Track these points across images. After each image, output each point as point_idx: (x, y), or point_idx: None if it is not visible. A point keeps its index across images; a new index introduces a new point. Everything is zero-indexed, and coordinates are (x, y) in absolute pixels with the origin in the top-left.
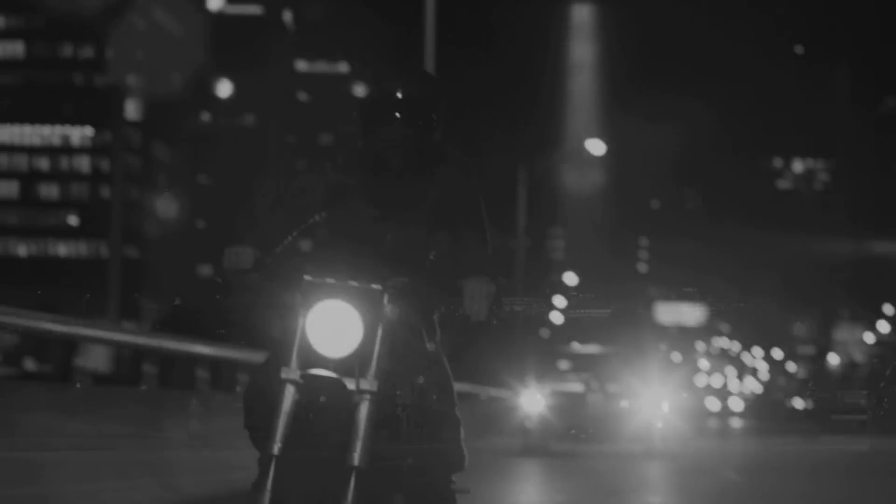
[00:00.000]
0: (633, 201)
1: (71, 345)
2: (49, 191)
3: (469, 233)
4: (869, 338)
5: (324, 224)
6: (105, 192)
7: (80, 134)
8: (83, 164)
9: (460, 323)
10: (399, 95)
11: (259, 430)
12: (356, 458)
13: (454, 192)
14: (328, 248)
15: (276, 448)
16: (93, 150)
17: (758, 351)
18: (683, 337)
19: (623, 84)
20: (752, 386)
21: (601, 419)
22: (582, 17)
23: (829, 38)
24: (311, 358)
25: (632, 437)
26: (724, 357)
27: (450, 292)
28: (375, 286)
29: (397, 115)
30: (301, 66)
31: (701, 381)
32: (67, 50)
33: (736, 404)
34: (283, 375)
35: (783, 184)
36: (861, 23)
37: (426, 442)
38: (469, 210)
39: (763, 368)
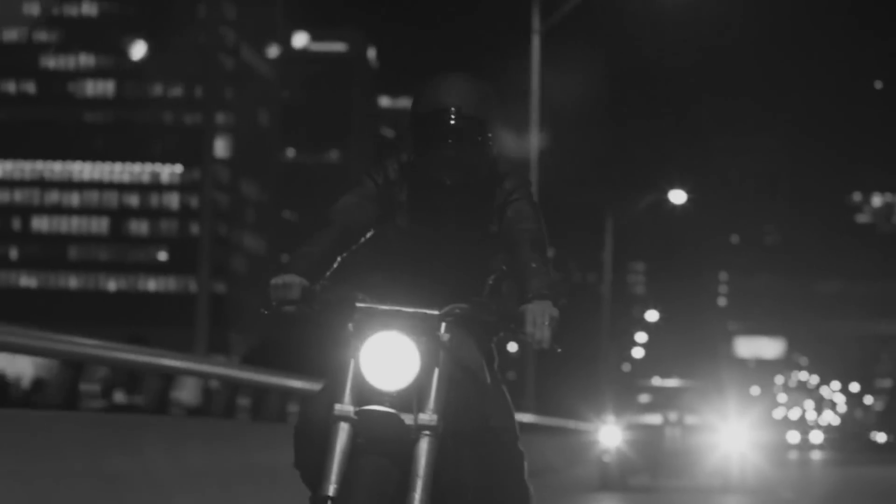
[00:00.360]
0: (713, 236)
1: (167, 378)
2: (139, 227)
3: (529, 254)
4: None
5: (373, 245)
6: (194, 228)
7: (169, 171)
8: (172, 200)
9: (523, 349)
10: (455, 111)
11: (310, 469)
12: (417, 498)
13: (513, 212)
14: (379, 272)
15: (332, 489)
16: (182, 187)
17: (836, 384)
18: (762, 370)
19: (704, 121)
20: (830, 418)
21: (680, 454)
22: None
23: None
24: (365, 392)
25: (710, 472)
26: (803, 390)
27: (511, 318)
28: (432, 312)
29: (453, 132)
30: (384, 101)
31: (779, 414)
32: (157, 89)
33: (816, 437)
34: (337, 412)
35: (862, 218)
36: None
37: (489, 479)
38: (529, 230)
39: (841, 401)
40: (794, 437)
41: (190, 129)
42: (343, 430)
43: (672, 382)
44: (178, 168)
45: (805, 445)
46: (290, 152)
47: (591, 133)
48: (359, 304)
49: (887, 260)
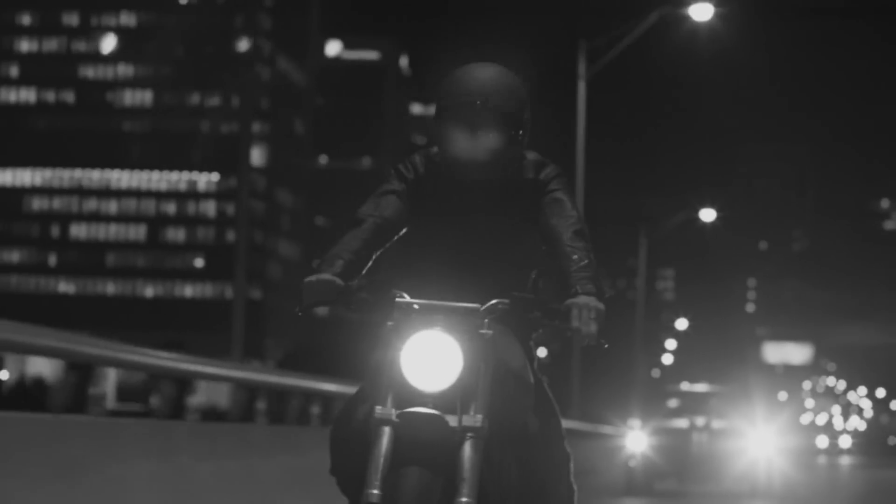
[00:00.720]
0: (741, 243)
1: (183, 383)
2: (176, 234)
3: (571, 246)
4: None
5: (408, 241)
6: (230, 235)
7: (206, 179)
8: (209, 208)
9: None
10: (481, 102)
11: (348, 475)
12: (464, 502)
13: (551, 203)
14: (416, 268)
15: (376, 496)
16: (218, 195)
17: (862, 389)
18: (790, 376)
19: (733, 129)
20: (856, 423)
21: (706, 459)
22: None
23: None
24: (406, 394)
25: (737, 477)
26: (830, 395)
27: (556, 313)
28: (474, 306)
29: (480, 124)
30: (416, 109)
31: (806, 419)
32: (195, 98)
33: (845, 441)
34: (378, 415)
35: (890, 224)
36: None
37: (534, 482)
38: (570, 221)
39: (867, 406)
40: (822, 441)
41: (227, 137)
42: (384, 434)
43: (700, 387)
44: (215, 176)
45: (834, 450)
46: (323, 159)
47: (626, 146)
48: (398, 299)
49: None
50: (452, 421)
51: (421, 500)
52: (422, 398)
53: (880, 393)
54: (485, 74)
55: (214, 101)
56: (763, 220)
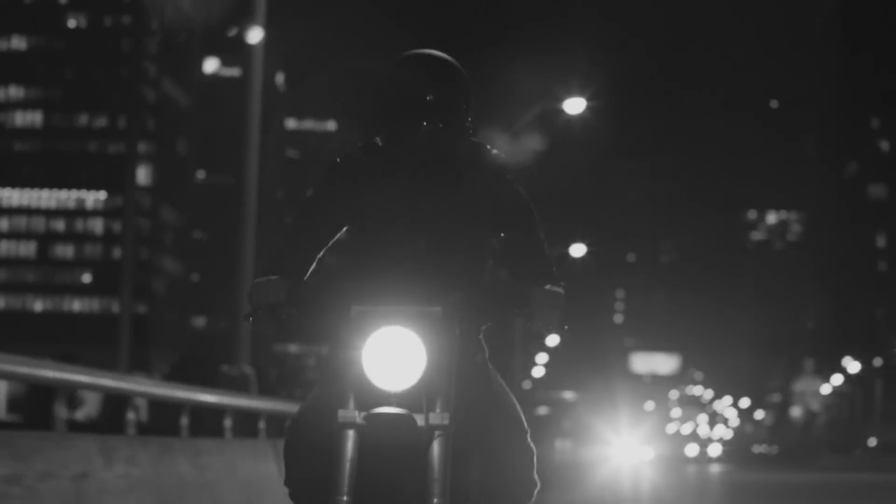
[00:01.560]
0: (610, 255)
1: (50, 392)
2: (64, 251)
3: (526, 237)
4: (826, 389)
5: (352, 240)
6: (117, 252)
7: (93, 198)
8: (97, 225)
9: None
10: (427, 96)
11: (307, 484)
12: (436, 501)
13: (500, 195)
14: (365, 269)
15: (345, 501)
16: (105, 212)
17: (727, 399)
18: (657, 385)
19: (602, 139)
20: (722, 433)
21: (570, 467)
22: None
23: (801, 99)
24: (369, 394)
25: (601, 485)
26: (696, 405)
27: (517, 303)
28: (435, 308)
29: (427, 117)
30: (290, 123)
31: (672, 428)
32: (83, 119)
33: (714, 450)
34: (342, 419)
35: (757, 235)
36: (828, 91)
37: (497, 477)
38: (520, 212)
39: (733, 416)
40: (692, 450)
41: (113, 157)
42: (349, 438)
43: (567, 395)
44: (102, 195)
45: (703, 458)
46: (201, 174)
47: None
48: (355, 307)
49: (780, 277)
50: (419, 420)
51: (390, 503)
52: (386, 398)
53: (744, 403)
54: (433, 63)
55: (102, 122)
56: (632, 233)
